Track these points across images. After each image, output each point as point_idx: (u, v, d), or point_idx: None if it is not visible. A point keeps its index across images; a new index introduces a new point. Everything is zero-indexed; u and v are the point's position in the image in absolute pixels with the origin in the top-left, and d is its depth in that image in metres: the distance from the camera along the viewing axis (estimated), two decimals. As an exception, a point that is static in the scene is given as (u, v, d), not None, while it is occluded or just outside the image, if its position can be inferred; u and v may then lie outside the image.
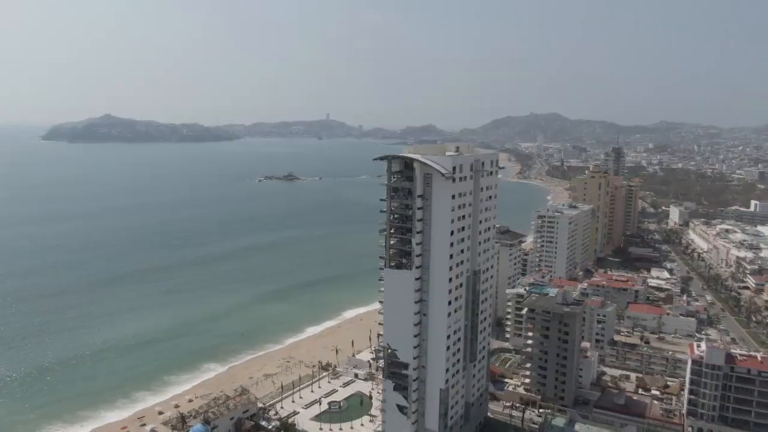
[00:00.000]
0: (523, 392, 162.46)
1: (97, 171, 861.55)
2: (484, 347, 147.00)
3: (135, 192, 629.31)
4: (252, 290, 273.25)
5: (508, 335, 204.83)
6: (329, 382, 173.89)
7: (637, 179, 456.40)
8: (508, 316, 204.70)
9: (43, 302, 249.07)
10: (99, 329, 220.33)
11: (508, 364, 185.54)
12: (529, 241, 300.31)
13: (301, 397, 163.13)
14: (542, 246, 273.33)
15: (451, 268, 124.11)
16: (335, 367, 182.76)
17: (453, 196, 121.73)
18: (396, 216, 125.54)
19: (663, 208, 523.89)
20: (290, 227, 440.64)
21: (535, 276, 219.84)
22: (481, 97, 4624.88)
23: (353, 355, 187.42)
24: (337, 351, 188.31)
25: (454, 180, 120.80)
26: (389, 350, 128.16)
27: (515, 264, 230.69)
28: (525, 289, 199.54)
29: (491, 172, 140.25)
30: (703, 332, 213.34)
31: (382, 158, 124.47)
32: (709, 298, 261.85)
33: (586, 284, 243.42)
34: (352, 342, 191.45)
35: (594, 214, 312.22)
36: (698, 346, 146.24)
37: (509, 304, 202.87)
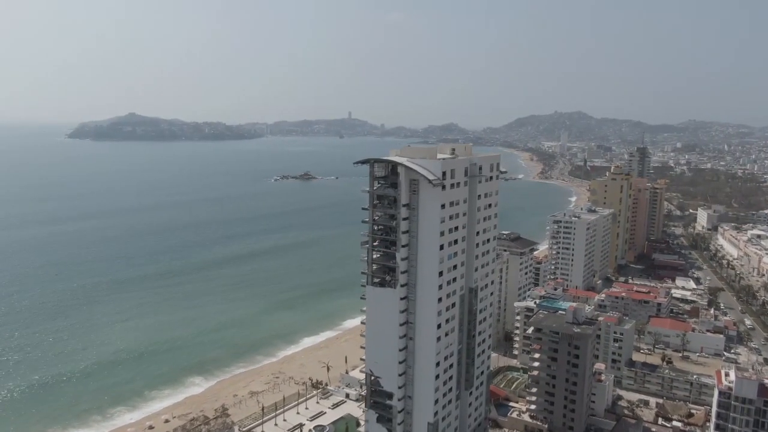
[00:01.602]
0: (528, 420, 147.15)
1: (112, 169, 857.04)
2: (482, 372, 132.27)
3: (145, 191, 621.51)
4: (251, 297, 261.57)
5: (516, 352, 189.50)
6: (318, 402, 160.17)
7: (663, 181, 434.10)
8: (517, 331, 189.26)
9: (37, 310, 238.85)
10: (89, 341, 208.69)
11: (514, 385, 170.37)
12: (543, 248, 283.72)
13: (285, 420, 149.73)
14: (558, 253, 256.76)
15: (441, 287, 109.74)
16: (326, 385, 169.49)
17: (443, 206, 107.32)
18: (379, 227, 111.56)
19: (690, 210, 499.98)
20: (299, 228, 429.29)
21: (547, 288, 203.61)
22: (505, 95, 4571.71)
23: (346, 372, 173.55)
24: (328, 368, 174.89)
25: (444, 187, 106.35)
26: (372, 377, 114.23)
27: (526, 274, 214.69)
28: (535, 303, 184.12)
29: (491, 177, 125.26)
30: (732, 351, 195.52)
31: (363, 162, 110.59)
32: (747, 319, 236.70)
33: (604, 295, 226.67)
34: (346, 358, 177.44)
35: (615, 219, 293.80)
36: (726, 374, 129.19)
37: (518, 318, 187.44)
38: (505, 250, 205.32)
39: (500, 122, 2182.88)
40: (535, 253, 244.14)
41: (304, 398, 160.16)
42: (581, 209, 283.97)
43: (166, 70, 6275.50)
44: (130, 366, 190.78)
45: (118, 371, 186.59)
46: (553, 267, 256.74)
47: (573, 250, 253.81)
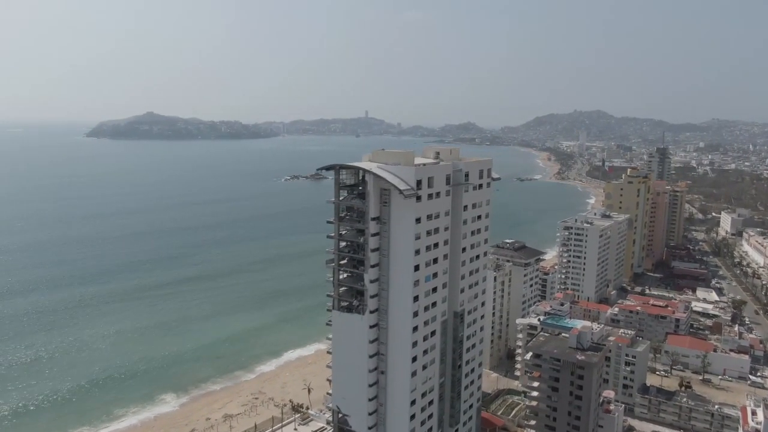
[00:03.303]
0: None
1: (121, 169, 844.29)
2: (471, 405, 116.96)
3: (149, 193, 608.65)
4: (249, 308, 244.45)
5: (518, 373, 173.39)
6: (296, 429, 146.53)
7: (684, 183, 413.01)
8: (519, 350, 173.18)
9: (20, 322, 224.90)
10: (72, 358, 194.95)
11: (514, 411, 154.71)
12: (552, 255, 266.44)
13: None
14: (569, 261, 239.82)
15: (416, 313, 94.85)
16: (307, 408, 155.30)
17: (418, 220, 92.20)
18: (347, 244, 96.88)
19: (713, 214, 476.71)
20: (303, 231, 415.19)
21: (553, 303, 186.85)
22: (524, 94, 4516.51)
23: (329, 394, 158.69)
24: (309, 390, 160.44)
25: (419, 198, 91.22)
26: (339, 415, 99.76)
27: (531, 286, 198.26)
28: (539, 320, 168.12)
29: (480, 185, 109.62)
30: (758, 374, 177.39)
31: (327, 168, 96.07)
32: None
33: (617, 309, 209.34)
34: (328, 379, 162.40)
35: (631, 225, 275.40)
36: (753, 412, 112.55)
37: (519, 336, 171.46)
38: (508, 261, 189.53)
39: (518, 121, 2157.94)
40: (543, 262, 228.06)
41: (281, 424, 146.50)
42: (594, 214, 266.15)
43: (185, 69, 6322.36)
44: (110, 385, 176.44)
45: (96, 391, 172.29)
46: (563, 277, 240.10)
47: (585, 258, 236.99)
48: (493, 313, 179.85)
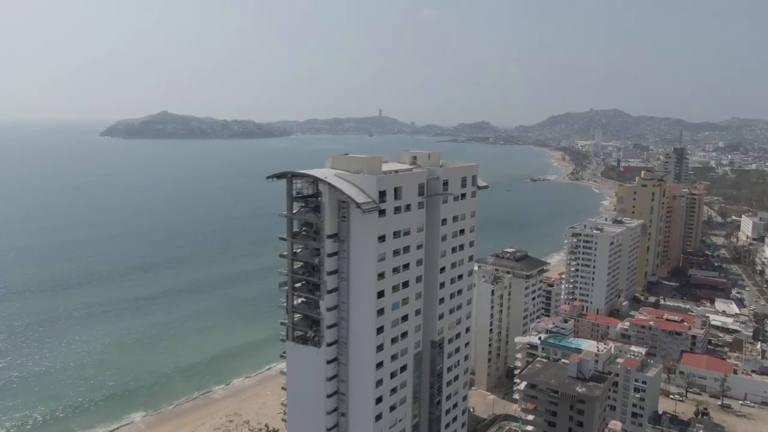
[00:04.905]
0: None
1: (128, 170, 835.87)
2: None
3: (156, 193, 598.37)
4: (232, 315, 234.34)
5: (517, 396, 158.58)
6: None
7: (702, 185, 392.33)
8: (518, 372, 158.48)
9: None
10: (51, 371, 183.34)
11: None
12: (558, 259, 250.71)
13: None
14: (577, 271, 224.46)
15: (381, 347, 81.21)
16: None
17: (382, 237, 78.30)
18: (302, 264, 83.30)
19: (733, 217, 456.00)
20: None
21: (556, 320, 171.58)
22: (539, 93, 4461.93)
23: None
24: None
25: (382, 212, 77.29)
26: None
27: (534, 299, 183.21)
28: (539, 338, 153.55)
29: (463, 195, 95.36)
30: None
31: (278, 176, 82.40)
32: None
33: (627, 324, 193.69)
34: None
35: (645, 230, 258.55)
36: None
37: (518, 356, 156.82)
38: (508, 272, 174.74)
39: (534, 120, 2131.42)
40: (549, 271, 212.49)
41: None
42: (606, 219, 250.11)
43: (200, 68, 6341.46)
44: (86, 405, 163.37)
45: (70, 411, 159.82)
46: (571, 287, 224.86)
47: (594, 267, 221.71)
48: (491, 330, 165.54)
